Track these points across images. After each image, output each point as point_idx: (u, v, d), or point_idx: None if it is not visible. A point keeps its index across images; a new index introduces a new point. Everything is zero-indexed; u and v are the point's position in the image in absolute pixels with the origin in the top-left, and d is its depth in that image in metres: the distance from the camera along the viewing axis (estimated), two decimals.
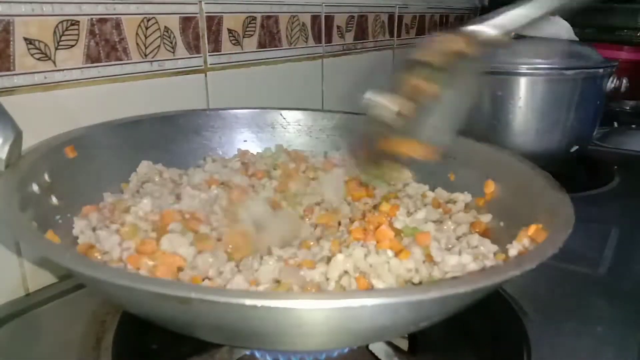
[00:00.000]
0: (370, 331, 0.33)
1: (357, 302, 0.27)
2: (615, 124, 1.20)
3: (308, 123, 0.66)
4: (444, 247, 0.44)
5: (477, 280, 0.29)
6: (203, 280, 0.38)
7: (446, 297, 0.28)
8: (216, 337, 0.36)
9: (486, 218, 0.50)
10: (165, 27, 0.62)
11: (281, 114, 0.65)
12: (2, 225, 0.33)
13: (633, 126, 1.19)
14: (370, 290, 0.37)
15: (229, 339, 0.36)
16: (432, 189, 0.57)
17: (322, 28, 0.88)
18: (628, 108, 1.36)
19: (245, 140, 0.64)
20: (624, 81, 0.84)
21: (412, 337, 0.47)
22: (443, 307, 0.33)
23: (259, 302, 0.26)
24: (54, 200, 0.43)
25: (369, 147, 0.46)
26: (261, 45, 0.76)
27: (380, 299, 0.27)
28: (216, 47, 0.69)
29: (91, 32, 0.54)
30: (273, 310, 0.26)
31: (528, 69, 0.79)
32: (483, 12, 1.53)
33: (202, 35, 0.67)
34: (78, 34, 0.53)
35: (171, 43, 0.63)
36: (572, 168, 0.87)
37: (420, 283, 0.40)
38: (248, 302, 0.25)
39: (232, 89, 0.72)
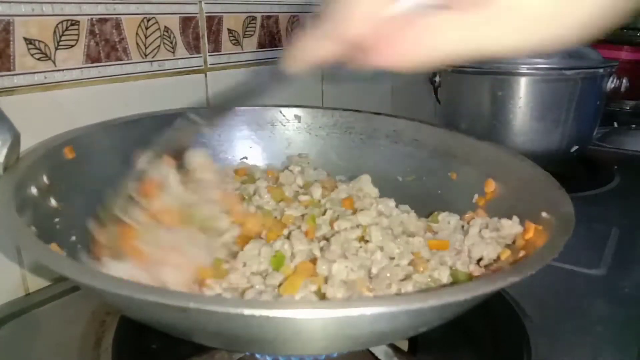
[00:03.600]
0: (369, 337, 0.33)
1: (356, 311, 0.26)
2: (615, 124, 1.20)
3: (308, 121, 0.66)
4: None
5: (477, 288, 0.29)
6: None
7: (445, 304, 0.28)
8: (215, 342, 0.36)
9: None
10: (165, 27, 0.62)
11: (281, 112, 0.65)
12: (1, 229, 0.33)
13: (633, 126, 1.19)
14: (369, 299, 0.37)
15: (228, 344, 0.37)
16: (433, 189, 0.57)
17: None
18: (628, 108, 1.35)
19: (244, 138, 0.64)
20: (624, 81, 0.84)
21: (412, 338, 0.47)
22: (442, 314, 0.33)
23: (257, 312, 0.25)
24: (53, 202, 0.43)
25: None
26: (261, 45, 0.76)
27: (379, 308, 0.27)
28: (216, 47, 0.69)
29: (91, 32, 0.54)
30: (272, 319, 0.26)
31: (528, 69, 0.79)
32: None
33: (202, 35, 0.67)
34: (78, 34, 0.53)
35: (171, 43, 0.63)
36: (572, 168, 0.87)
37: None
38: (247, 311, 0.25)
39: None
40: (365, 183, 0.57)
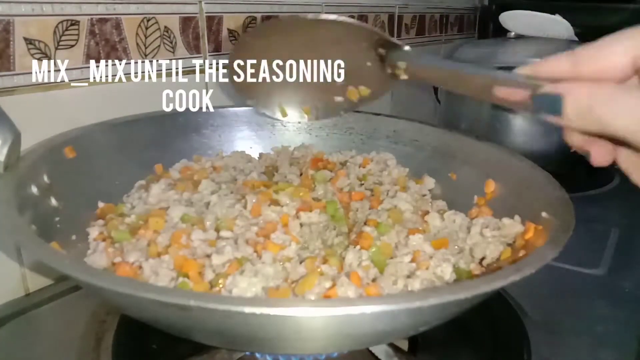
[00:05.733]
0: (369, 336, 0.33)
1: (356, 309, 0.26)
2: None
3: (308, 121, 0.66)
4: None
5: (477, 286, 0.29)
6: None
7: (445, 303, 0.28)
8: (215, 341, 0.36)
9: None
10: (165, 27, 0.62)
11: None
12: (1, 229, 0.33)
13: None
14: (369, 297, 0.37)
15: (229, 343, 0.37)
16: (434, 189, 0.57)
17: None
18: None
19: (245, 139, 0.64)
20: None
21: (412, 338, 0.47)
22: (442, 313, 0.33)
23: (258, 310, 0.25)
24: (53, 201, 0.43)
25: None
26: None
27: (379, 306, 0.27)
28: (216, 47, 0.69)
29: (91, 32, 0.54)
30: (272, 317, 0.26)
31: None
32: (483, 12, 1.52)
33: (202, 35, 0.67)
34: (78, 34, 0.53)
35: (171, 43, 0.63)
36: (572, 168, 0.87)
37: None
38: (247, 309, 0.25)
39: (233, 89, 0.72)
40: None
